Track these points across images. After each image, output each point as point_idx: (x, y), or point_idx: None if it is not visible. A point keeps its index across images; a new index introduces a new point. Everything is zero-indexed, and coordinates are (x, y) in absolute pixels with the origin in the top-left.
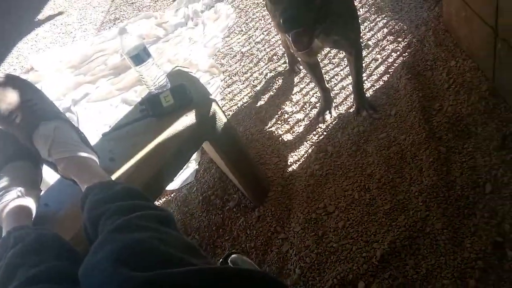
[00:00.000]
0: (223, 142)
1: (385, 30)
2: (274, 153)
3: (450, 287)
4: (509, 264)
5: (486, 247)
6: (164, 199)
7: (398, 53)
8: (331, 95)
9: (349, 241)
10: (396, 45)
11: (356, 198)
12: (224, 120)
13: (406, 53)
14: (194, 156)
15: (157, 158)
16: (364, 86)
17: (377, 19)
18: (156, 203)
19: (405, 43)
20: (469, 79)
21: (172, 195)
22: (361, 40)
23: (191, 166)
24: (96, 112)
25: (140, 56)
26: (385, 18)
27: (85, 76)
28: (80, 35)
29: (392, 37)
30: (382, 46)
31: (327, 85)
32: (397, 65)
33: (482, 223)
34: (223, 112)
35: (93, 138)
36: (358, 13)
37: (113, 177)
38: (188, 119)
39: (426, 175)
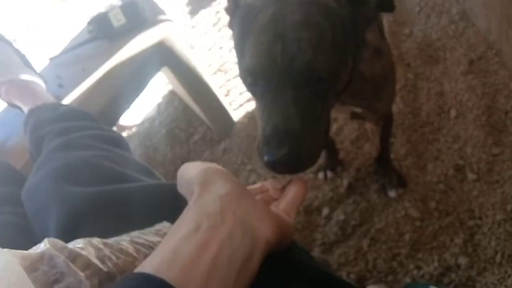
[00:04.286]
0: (184, 69)
1: None
2: (241, 85)
3: (411, 209)
4: (468, 186)
5: (447, 171)
6: (125, 134)
7: None
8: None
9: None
10: None
11: None
12: (184, 44)
13: None
14: (156, 87)
15: (111, 83)
16: None
17: None
18: None
19: None
20: (440, 2)
21: (133, 129)
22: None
23: (153, 98)
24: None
25: None
26: None
27: None
28: None
29: None
30: None
31: (330, 135)
32: None
33: (445, 148)
34: (183, 35)
35: (39, 64)
36: None
37: None
38: (142, 42)
39: None
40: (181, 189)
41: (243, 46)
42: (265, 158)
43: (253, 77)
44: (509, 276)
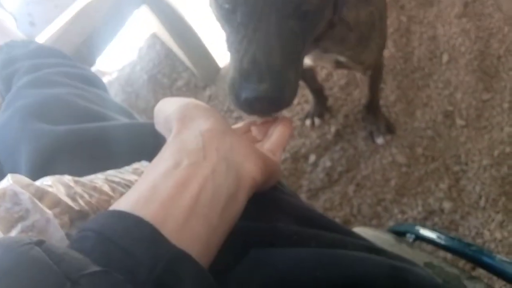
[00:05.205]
0: (165, 8)
1: None
2: None
3: (398, 155)
4: (456, 132)
5: (436, 117)
6: (105, 79)
7: None
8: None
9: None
10: None
11: None
12: None
13: None
14: (136, 30)
15: (85, 21)
16: None
17: None
18: None
19: None
20: None
21: (113, 75)
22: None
23: (133, 42)
24: None
25: None
26: None
27: None
28: None
29: None
30: None
31: (319, 81)
32: None
33: (435, 94)
34: None
35: (9, 1)
36: None
37: None
38: None
39: None
40: (159, 126)
41: None
42: (243, 94)
43: (233, 2)
44: (492, 220)
